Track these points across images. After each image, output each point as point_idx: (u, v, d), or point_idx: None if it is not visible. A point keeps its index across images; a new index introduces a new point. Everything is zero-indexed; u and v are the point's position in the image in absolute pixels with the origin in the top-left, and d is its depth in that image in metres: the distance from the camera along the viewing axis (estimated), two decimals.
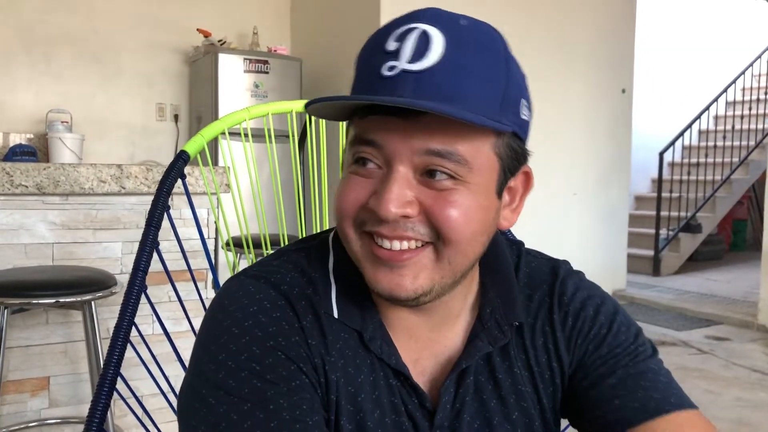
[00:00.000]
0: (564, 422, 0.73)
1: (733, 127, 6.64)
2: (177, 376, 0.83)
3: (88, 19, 4.41)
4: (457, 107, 0.54)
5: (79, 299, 1.67)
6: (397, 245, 0.58)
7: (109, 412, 0.90)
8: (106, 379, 0.90)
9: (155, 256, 1.01)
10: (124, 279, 2.00)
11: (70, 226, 2.04)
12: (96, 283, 1.72)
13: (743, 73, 6.94)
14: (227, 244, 1.35)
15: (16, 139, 4.17)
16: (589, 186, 4.97)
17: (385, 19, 4.00)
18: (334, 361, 0.63)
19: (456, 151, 0.56)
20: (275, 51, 4.53)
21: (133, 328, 0.97)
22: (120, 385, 0.93)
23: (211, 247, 2.45)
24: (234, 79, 4.24)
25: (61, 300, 1.65)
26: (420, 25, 0.56)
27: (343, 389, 0.63)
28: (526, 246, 0.77)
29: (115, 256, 2.11)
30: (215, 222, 2.22)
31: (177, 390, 0.66)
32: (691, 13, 7.59)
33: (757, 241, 8.06)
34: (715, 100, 6.70)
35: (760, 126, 6.69)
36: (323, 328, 0.64)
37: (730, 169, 6.47)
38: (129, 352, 0.95)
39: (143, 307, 0.98)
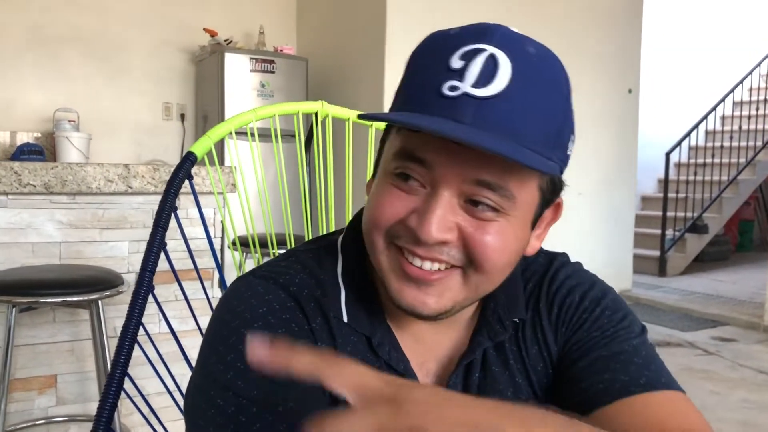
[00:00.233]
0: None
1: (740, 127, 6.61)
2: (183, 374, 0.84)
3: (95, 19, 4.42)
4: (511, 143, 0.53)
5: (86, 298, 1.68)
6: (428, 265, 0.58)
7: (115, 411, 0.91)
8: (114, 379, 0.91)
9: (162, 255, 1.01)
10: (130, 278, 2.01)
11: (77, 225, 2.05)
12: (103, 282, 1.73)
13: (750, 73, 6.90)
14: (233, 243, 1.35)
15: (23, 138, 4.20)
16: (595, 186, 4.96)
17: (391, 19, 4.03)
18: None
19: (506, 185, 0.56)
20: (281, 50, 4.54)
21: (140, 327, 0.97)
22: (126, 383, 0.94)
23: (217, 246, 2.46)
24: (240, 78, 4.24)
25: (69, 299, 1.66)
26: (489, 47, 0.55)
27: None
28: None
29: (121, 255, 2.12)
30: (221, 221, 2.23)
31: (183, 389, 0.67)
32: (698, 13, 7.55)
33: (763, 242, 8.04)
34: (722, 100, 6.67)
35: (767, 126, 6.66)
36: (332, 331, 0.64)
37: (736, 170, 6.45)
38: (135, 351, 0.95)
39: (149, 306, 0.98)
